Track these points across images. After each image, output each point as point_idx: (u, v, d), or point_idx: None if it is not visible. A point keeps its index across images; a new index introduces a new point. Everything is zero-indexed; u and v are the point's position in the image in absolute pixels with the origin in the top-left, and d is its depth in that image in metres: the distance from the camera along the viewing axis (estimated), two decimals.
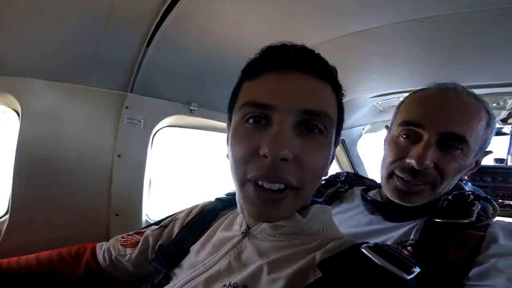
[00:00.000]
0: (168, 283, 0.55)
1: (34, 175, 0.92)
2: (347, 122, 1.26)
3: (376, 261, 0.40)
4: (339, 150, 1.99)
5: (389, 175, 0.67)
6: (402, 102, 0.71)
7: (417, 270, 0.39)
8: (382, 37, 0.93)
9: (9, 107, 0.95)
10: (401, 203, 0.65)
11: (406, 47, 1.00)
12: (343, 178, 0.88)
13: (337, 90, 0.49)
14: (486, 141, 0.64)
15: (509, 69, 1.04)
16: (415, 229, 0.63)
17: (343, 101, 0.51)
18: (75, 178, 0.97)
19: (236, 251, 0.50)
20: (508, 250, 0.52)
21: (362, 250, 0.42)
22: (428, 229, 0.61)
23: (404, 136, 0.65)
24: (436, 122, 0.60)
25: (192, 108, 1.09)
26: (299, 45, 0.47)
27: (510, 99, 1.46)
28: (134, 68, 0.98)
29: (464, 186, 0.77)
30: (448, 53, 1.01)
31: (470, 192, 0.68)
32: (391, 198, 0.67)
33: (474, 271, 0.51)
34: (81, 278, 0.70)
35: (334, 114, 0.47)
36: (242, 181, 0.45)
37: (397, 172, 0.65)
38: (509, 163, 2.07)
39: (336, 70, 0.49)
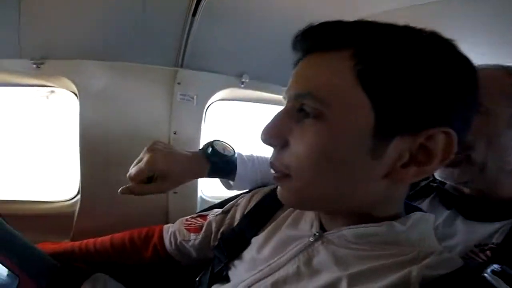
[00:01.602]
0: (227, 273, 0.53)
1: (97, 155, 0.95)
2: None
3: None
4: None
5: None
6: None
7: None
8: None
9: (67, 89, 0.96)
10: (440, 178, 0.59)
11: None
12: None
13: (365, 53, 0.36)
14: None
15: None
16: (499, 232, 0.54)
17: None
18: (135, 156, 0.98)
19: (306, 255, 0.43)
20: None
21: (486, 277, 0.33)
22: None
23: None
24: None
25: (244, 80, 1.04)
26: (316, 24, 0.38)
27: None
28: (182, 40, 0.93)
29: None
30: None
31: None
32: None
33: None
34: (148, 262, 0.72)
35: (331, 88, 0.36)
36: None
37: None
38: None
39: (369, 28, 0.38)
